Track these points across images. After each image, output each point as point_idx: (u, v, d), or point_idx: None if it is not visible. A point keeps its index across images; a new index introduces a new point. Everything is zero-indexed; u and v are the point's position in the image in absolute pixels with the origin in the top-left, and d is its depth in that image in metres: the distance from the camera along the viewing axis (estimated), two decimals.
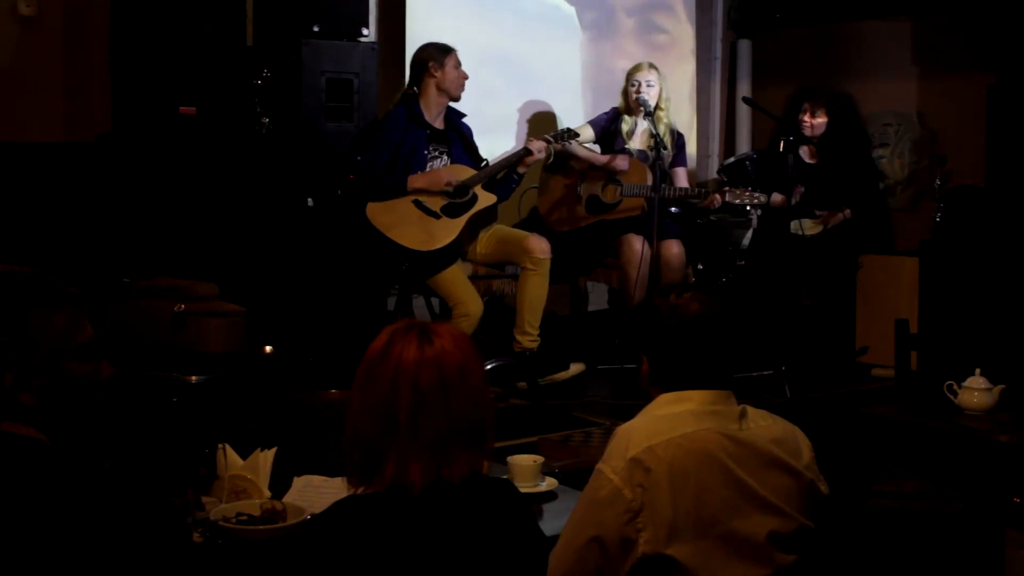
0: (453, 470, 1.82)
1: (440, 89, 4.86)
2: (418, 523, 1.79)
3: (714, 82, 6.90)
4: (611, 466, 2.12)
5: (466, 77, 4.91)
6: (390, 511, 1.79)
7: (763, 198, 5.11)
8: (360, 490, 1.86)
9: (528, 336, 4.83)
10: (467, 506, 1.84)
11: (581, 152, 5.28)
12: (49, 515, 1.57)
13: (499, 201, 4.94)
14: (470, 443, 1.85)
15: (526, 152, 4.89)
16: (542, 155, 4.94)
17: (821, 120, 5.60)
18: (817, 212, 5.52)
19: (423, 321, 1.92)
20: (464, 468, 1.84)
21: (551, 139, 4.98)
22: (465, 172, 4.85)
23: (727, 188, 5.18)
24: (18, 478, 1.61)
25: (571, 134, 5.08)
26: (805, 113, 5.61)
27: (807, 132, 5.58)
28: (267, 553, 2.29)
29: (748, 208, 5.48)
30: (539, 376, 4.84)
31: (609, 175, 5.26)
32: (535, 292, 4.83)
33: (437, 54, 4.86)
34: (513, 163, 4.91)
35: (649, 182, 5.12)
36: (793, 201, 5.15)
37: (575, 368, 4.98)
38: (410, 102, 4.90)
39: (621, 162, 5.22)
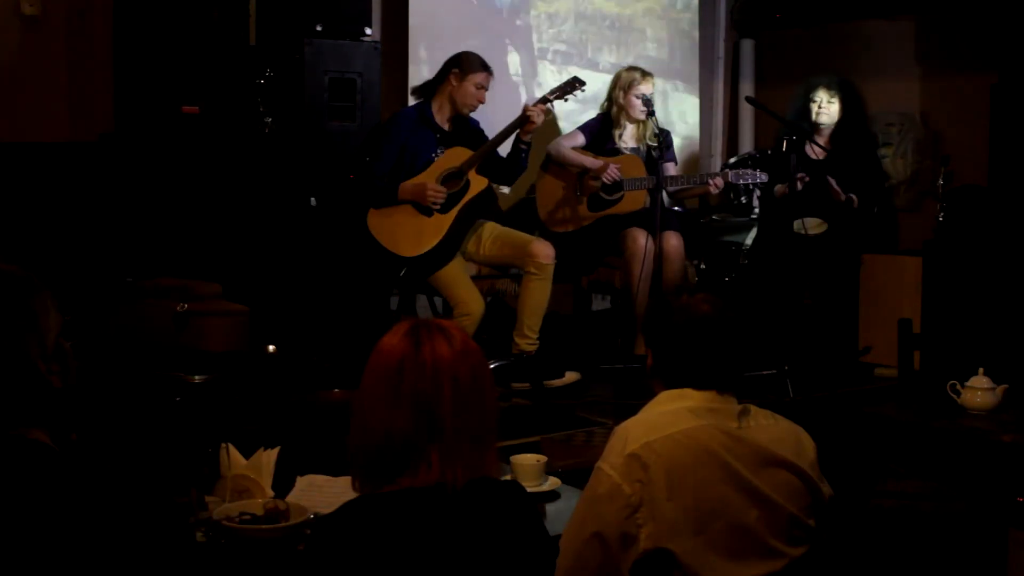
0: (491, 466, 1.84)
1: (452, 98, 4.83)
2: (458, 519, 1.79)
3: (717, 82, 6.89)
4: (609, 463, 2.14)
5: (482, 101, 4.83)
6: (429, 508, 1.78)
7: (764, 177, 5.15)
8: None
9: (527, 339, 4.81)
10: (501, 502, 1.85)
11: (572, 158, 5.24)
12: (53, 515, 1.58)
13: (518, 173, 4.89)
14: (496, 436, 1.87)
15: (525, 120, 4.77)
16: (541, 119, 4.81)
17: (835, 106, 5.46)
18: (832, 182, 5.35)
19: (427, 319, 1.92)
20: (496, 463, 1.85)
21: (551, 97, 4.86)
22: (463, 155, 4.80)
23: (728, 169, 5.18)
24: (27, 480, 1.62)
25: (578, 83, 4.91)
26: (818, 99, 5.46)
27: (821, 119, 5.43)
28: (270, 553, 2.29)
29: (752, 186, 5.46)
30: (540, 379, 4.82)
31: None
32: (537, 297, 4.80)
33: (469, 65, 4.79)
34: (513, 132, 4.80)
35: (646, 174, 5.12)
36: (798, 187, 5.08)
37: (570, 376, 4.89)
38: (425, 98, 4.88)
39: (612, 172, 5.15)
